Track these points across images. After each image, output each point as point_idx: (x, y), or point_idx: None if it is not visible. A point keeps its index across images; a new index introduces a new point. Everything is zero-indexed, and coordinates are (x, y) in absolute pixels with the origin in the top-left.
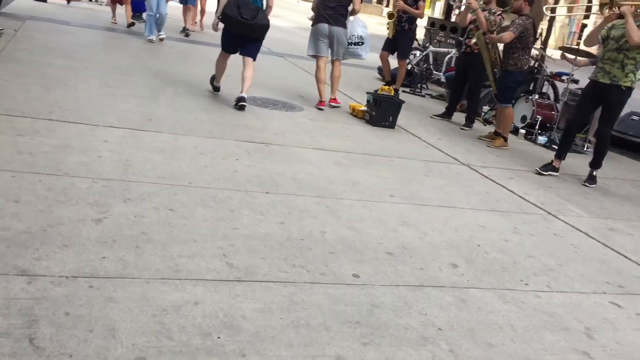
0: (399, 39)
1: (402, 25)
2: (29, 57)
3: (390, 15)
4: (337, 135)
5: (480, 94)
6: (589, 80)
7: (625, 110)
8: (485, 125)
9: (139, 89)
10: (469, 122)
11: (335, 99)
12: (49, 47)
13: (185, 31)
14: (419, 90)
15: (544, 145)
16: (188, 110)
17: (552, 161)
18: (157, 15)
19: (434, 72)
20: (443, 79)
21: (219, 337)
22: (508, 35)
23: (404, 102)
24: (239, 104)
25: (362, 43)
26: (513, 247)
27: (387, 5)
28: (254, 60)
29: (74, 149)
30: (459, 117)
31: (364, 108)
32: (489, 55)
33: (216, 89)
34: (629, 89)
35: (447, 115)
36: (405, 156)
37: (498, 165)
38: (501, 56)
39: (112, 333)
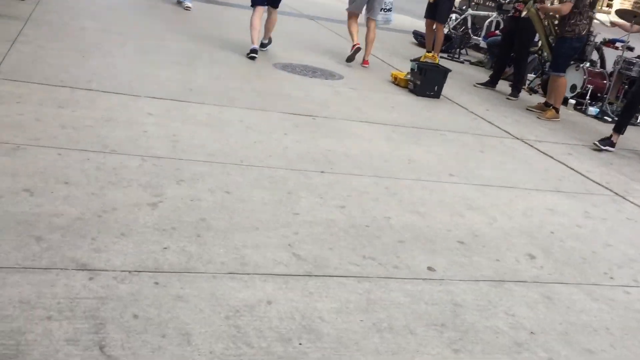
0: (439, 2)
1: None
2: (60, 20)
3: None
4: (382, 106)
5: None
6: None
7: None
8: (531, 94)
9: (174, 54)
10: (515, 92)
11: (366, 61)
12: (78, 8)
13: None
14: (457, 56)
15: (595, 117)
16: (227, 77)
17: (610, 135)
18: None
19: (472, 36)
20: (483, 44)
21: (300, 344)
22: (566, 7)
23: (450, 70)
24: (261, 48)
25: (391, 9)
26: (588, 234)
27: None
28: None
29: (118, 123)
30: (503, 85)
31: (407, 76)
32: (542, 27)
33: (253, 51)
34: None
35: (491, 84)
36: (456, 129)
37: (552, 139)
38: (555, 24)
39: (187, 338)
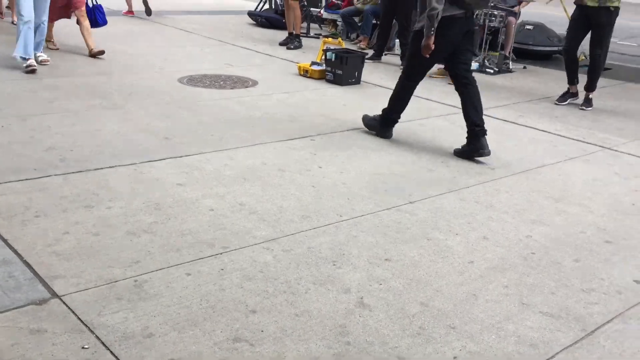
0: None
1: None
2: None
3: None
4: (336, 104)
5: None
6: (575, 7)
7: None
8: None
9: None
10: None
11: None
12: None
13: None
14: (308, 32)
15: (478, 71)
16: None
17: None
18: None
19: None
20: (328, 16)
21: None
22: None
23: (367, 54)
24: None
25: None
26: None
27: None
28: None
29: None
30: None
31: (313, 66)
32: None
33: None
34: (617, 10)
35: (377, 56)
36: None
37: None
38: None
39: None
